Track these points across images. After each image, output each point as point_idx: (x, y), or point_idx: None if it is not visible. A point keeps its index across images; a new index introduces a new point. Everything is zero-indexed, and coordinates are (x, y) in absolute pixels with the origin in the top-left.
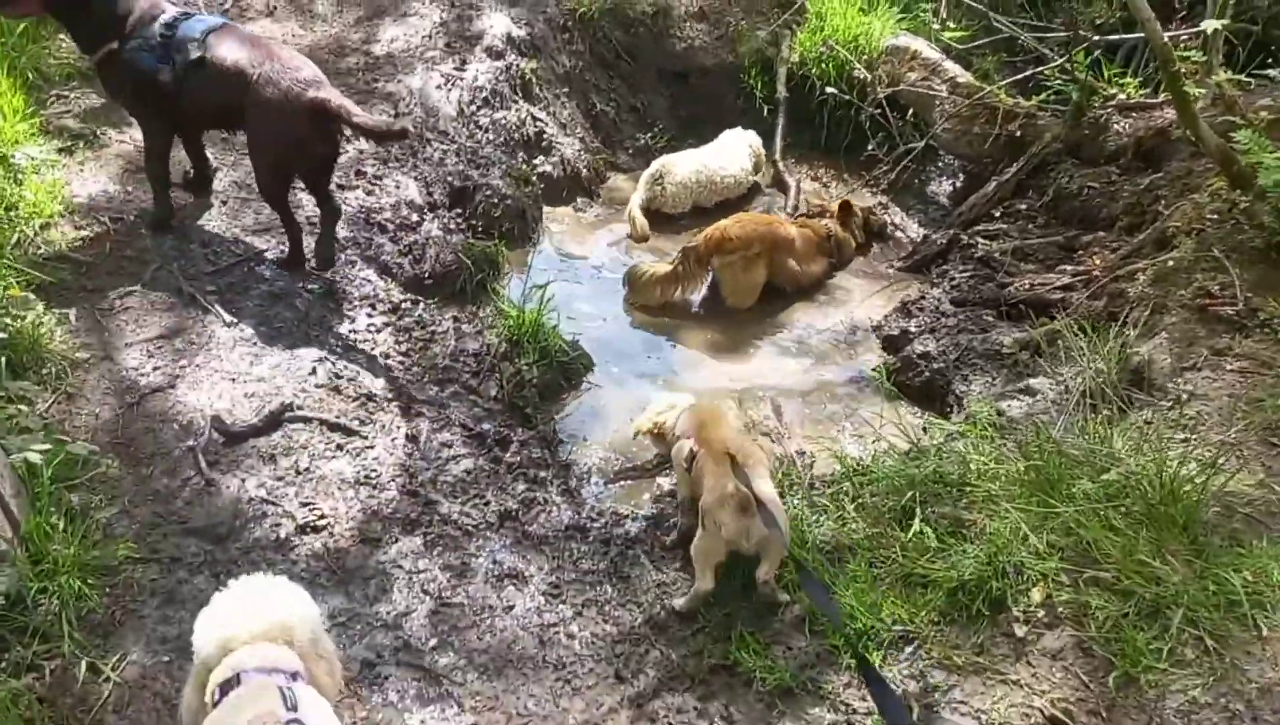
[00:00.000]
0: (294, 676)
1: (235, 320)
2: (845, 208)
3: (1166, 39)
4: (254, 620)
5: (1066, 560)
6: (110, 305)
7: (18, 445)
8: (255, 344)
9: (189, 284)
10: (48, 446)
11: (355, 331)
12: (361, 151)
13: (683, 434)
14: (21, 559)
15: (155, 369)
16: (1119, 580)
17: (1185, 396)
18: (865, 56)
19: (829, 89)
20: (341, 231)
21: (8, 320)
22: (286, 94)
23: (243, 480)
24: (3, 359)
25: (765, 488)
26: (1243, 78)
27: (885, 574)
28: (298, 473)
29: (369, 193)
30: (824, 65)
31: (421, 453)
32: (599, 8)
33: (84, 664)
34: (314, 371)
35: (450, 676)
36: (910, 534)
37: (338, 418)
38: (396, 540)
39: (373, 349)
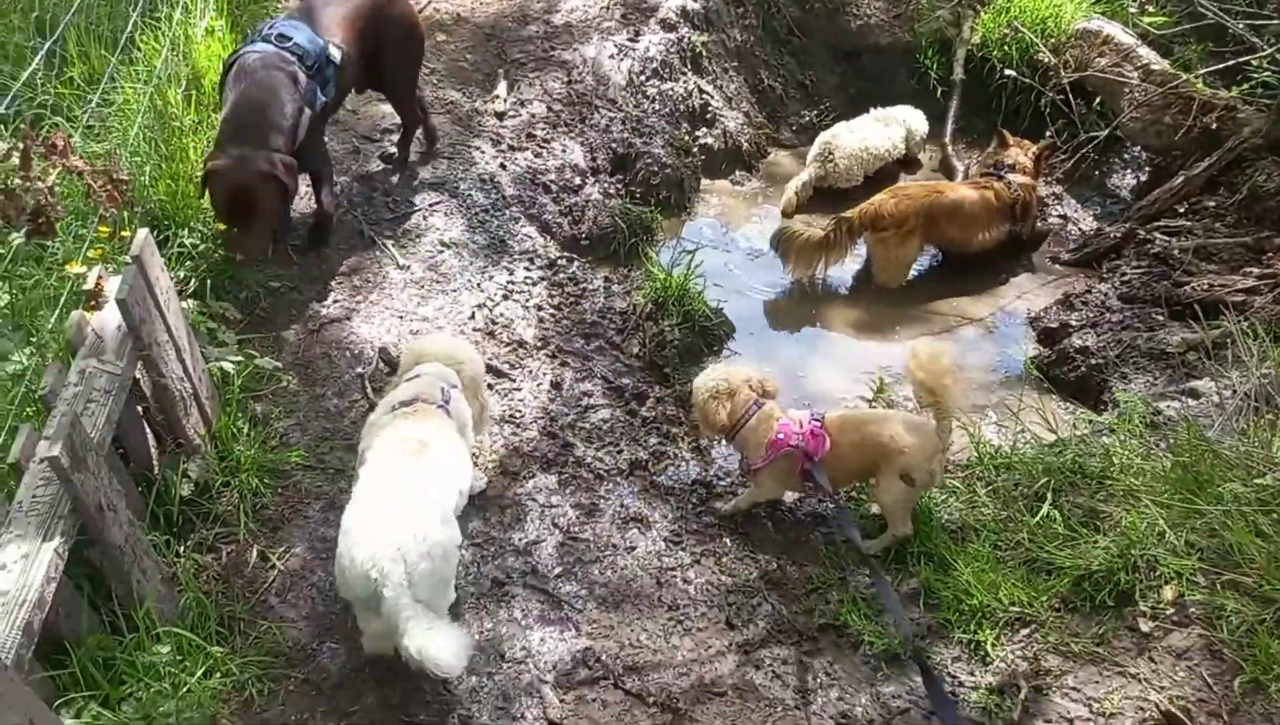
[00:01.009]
0: (453, 387)
1: (407, 264)
2: (1040, 158)
3: None
4: (440, 345)
5: (1205, 561)
6: (301, 242)
7: (216, 356)
8: (423, 287)
9: (370, 228)
10: (240, 359)
11: (513, 282)
12: (533, 116)
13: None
14: (211, 454)
15: (335, 302)
16: (1260, 586)
17: None
18: (1052, 40)
19: (1008, 71)
20: (508, 189)
21: (213, 245)
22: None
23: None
24: (208, 282)
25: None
26: None
27: (1009, 557)
28: None
29: (536, 155)
30: (1006, 47)
31: (564, 399)
32: None
33: (255, 551)
34: (473, 316)
35: (571, 603)
36: (1038, 517)
37: (490, 359)
38: (534, 476)
39: (528, 300)
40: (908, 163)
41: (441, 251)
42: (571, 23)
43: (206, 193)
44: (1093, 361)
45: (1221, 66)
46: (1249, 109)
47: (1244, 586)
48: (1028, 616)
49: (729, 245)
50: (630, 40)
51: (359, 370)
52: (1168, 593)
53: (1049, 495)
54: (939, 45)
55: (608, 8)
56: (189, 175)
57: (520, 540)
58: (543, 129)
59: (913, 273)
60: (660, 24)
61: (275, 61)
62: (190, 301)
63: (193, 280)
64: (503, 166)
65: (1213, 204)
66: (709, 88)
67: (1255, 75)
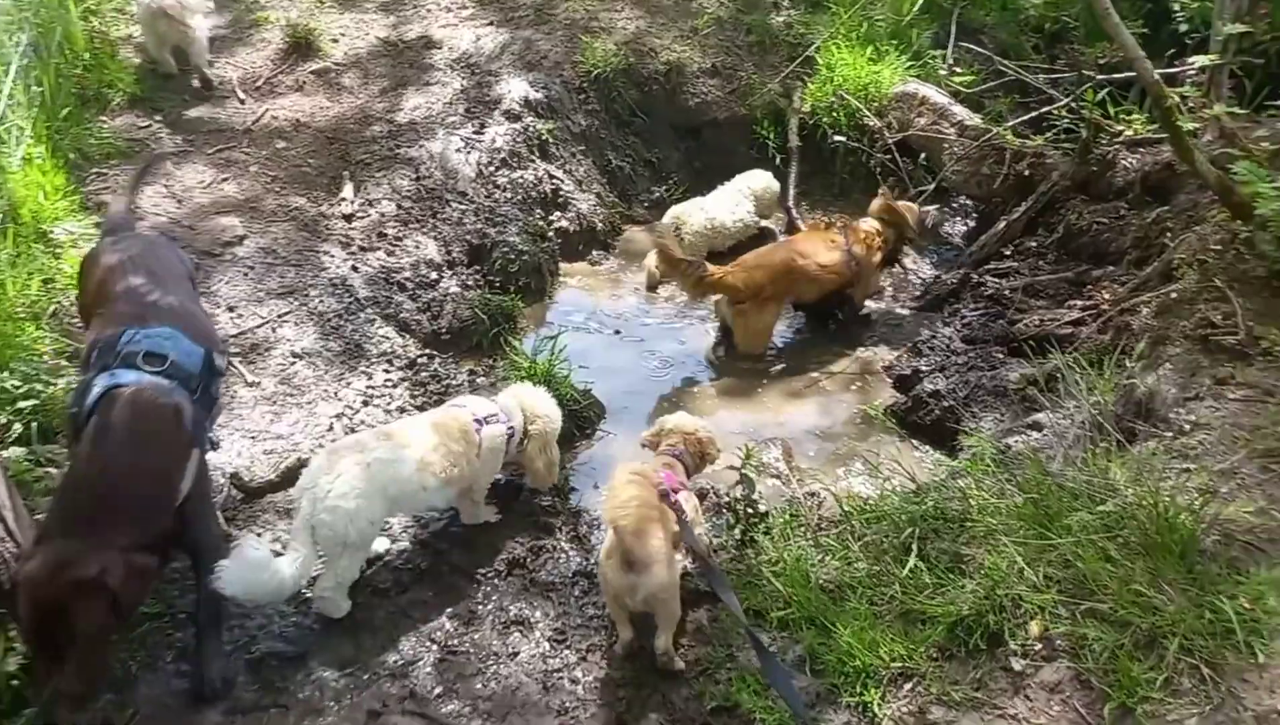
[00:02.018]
0: (511, 432)
1: (256, 381)
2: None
3: (1158, 76)
4: (527, 395)
5: (1064, 593)
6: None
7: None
8: (275, 402)
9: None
10: None
11: (373, 387)
12: (383, 215)
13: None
14: None
15: None
16: (1115, 611)
17: (1188, 426)
18: (875, 104)
19: (838, 136)
20: (362, 291)
21: (39, 386)
22: None
23: (259, 534)
24: (34, 425)
25: (653, 547)
26: (1240, 110)
27: (885, 611)
28: None
29: (389, 254)
30: (835, 114)
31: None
32: (613, 68)
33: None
34: (331, 427)
35: (455, 724)
36: (907, 569)
37: None
38: (406, 590)
39: (389, 404)
40: (763, 233)
41: (293, 363)
42: (415, 120)
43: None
44: (945, 404)
45: (1028, 117)
46: (1056, 154)
47: (1101, 613)
48: (909, 670)
49: (592, 325)
50: (476, 133)
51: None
52: (1033, 628)
53: (915, 545)
54: (773, 116)
55: (451, 103)
56: (8, 313)
57: (395, 662)
58: (394, 227)
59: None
60: (505, 115)
61: (150, 400)
62: (14, 449)
63: (16, 425)
64: (354, 268)
65: (1034, 244)
66: (559, 172)
67: (1057, 123)
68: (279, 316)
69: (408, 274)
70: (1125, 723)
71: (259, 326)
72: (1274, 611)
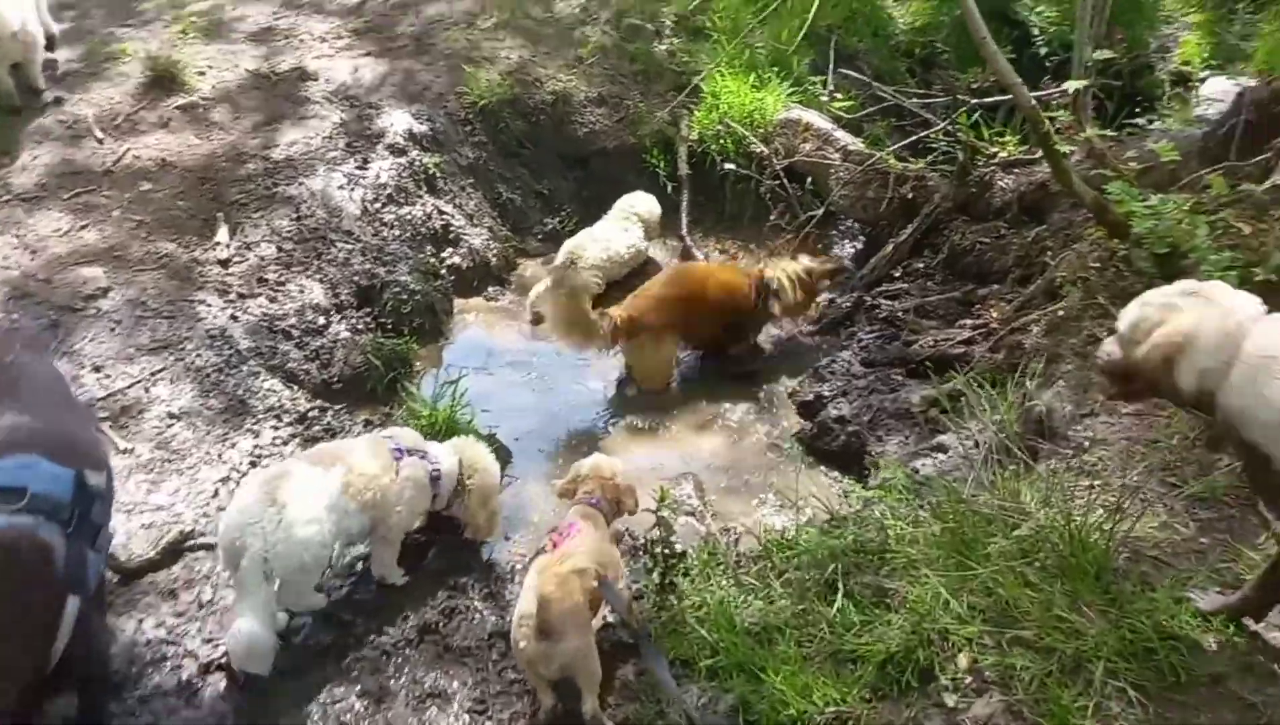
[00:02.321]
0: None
1: (129, 447)
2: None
3: (1034, 101)
4: (468, 447)
5: (989, 622)
6: None
7: None
8: (152, 470)
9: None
10: None
11: (261, 446)
12: (263, 258)
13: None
14: None
15: None
16: (1040, 638)
17: (1087, 443)
18: (761, 131)
19: (728, 165)
20: (243, 342)
21: None
22: None
23: (139, 620)
24: None
25: (565, 611)
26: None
27: (814, 652)
28: (200, 607)
29: (271, 300)
30: (722, 141)
31: (334, 569)
32: (498, 99)
33: None
34: (216, 493)
35: None
36: (835, 610)
37: None
38: (309, 670)
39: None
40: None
41: (170, 425)
42: (293, 156)
43: None
44: (850, 429)
45: (907, 142)
46: (936, 177)
47: (1026, 641)
48: (843, 714)
49: (493, 364)
50: (359, 168)
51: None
52: (962, 661)
53: (840, 582)
54: (662, 144)
55: (330, 137)
56: None
57: None
58: (275, 271)
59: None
60: (389, 149)
61: (8, 546)
62: None
63: None
64: (233, 318)
65: (921, 265)
66: (448, 207)
67: (935, 147)
68: (151, 374)
69: (293, 321)
70: None
71: (129, 387)
72: (1189, 628)
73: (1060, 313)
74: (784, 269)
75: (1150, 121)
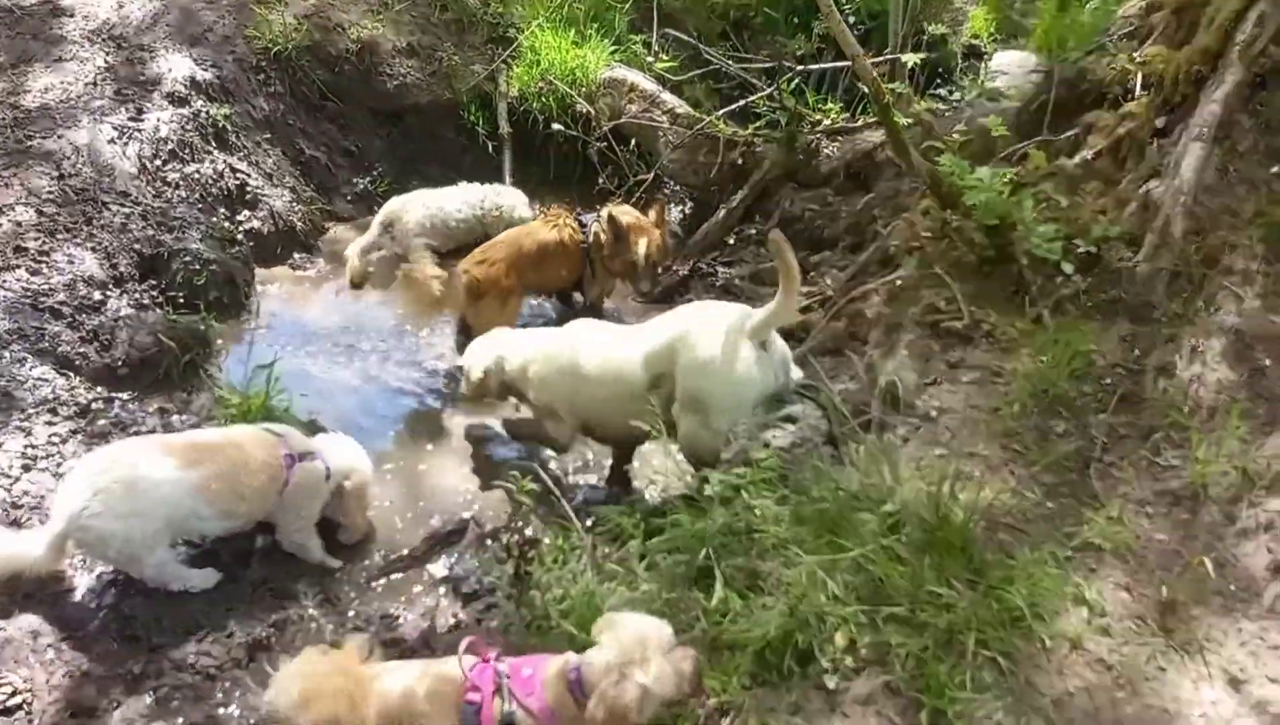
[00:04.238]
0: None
1: None
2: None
3: (877, 75)
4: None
5: (863, 600)
6: None
7: None
8: None
9: None
10: None
11: (34, 446)
12: (19, 224)
13: None
14: None
15: None
16: (913, 614)
17: (934, 412)
18: (584, 90)
19: (554, 125)
20: (2, 323)
21: None
22: None
23: None
24: None
25: None
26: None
27: (689, 641)
28: None
29: (33, 272)
30: (544, 99)
31: (138, 586)
32: (295, 45)
33: None
34: None
35: None
36: (715, 600)
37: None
38: (118, 704)
39: (59, 465)
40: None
41: None
42: (49, 104)
43: None
44: None
45: (735, 107)
46: (765, 144)
47: (900, 617)
48: (725, 704)
49: (305, 340)
50: (133, 120)
51: None
52: (839, 641)
53: (717, 570)
54: (481, 101)
55: (94, 83)
56: None
57: None
58: (36, 238)
59: None
60: (168, 98)
61: None
62: None
63: None
64: None
65: (753, 232)
66: (243, 165)
67: (761, 113)
68: None
69: (62, 296)
70: None
71: None
72: (1047, 593)
73: (899, 282)
74: (603, 216)
75: (951, 92)
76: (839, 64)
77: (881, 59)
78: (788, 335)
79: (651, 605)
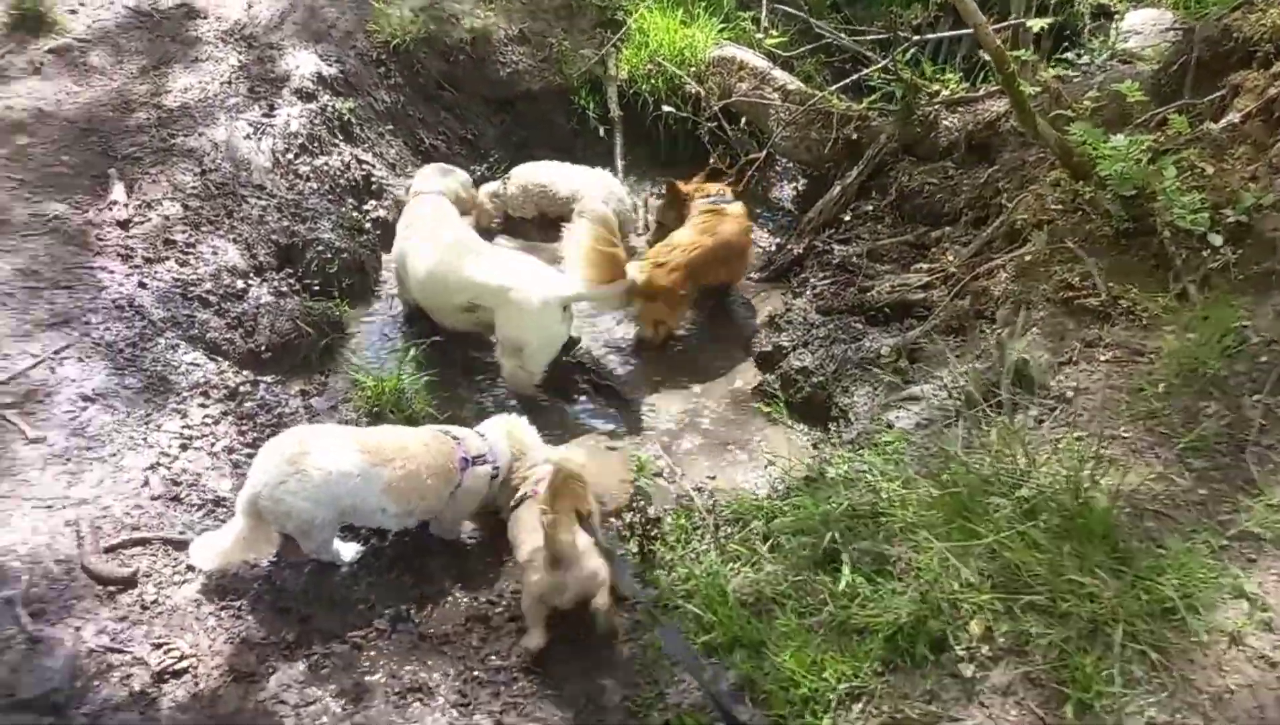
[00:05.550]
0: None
1: (40, 435)
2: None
3: (1000, 42)
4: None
5: (998, 588)
6: None
7: None
8: (69, 460)
9: None
10: None
11: (190, 427)
12: (167, 218)
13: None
14: None
15: None
16: (1054, 603)
17: (1070, 392)
18: (694, 69)
19: (666, 107)
20: (156, 312)
21: None
22: None
23: (77, 629)
24: None
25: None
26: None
27: (817, 624)
28: (144, 608)
29: (182, 263)
30: (653, 81)
31: (288, 560)
32: (413, 38)
33: None
34: (146, 482)
35: None
36: (843, 583)
37: (184, 533)
38: (275, 670)
39: (213, 445)
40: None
41: (85, 408)
42: (189, 104)
43: None
44: (814, 380)
45: (848, 81)
46: (881, 118)
47: (1039, 606)
48: (857, 690)
49: (432, 325)
50: (266, 116)
51: (6, 593)
52: (975, 629)
53: (843, 553)
54: (591, 85)
55: (229, 82)
56: None
57: None
58: (183, 231)
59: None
60: (296, 94)
61: None
62: None
63: None
64: (142, 285)
65: (870, 208)
66: (368, 156)
67: (876, 86)
68: (56, 352)
69: (209, 286)
70: (1086, 720)
71: (32, 367)
72: (1202, 584)
73: (1027, 258)
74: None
75: (1078, 56)
76: (957, 32)
77: (1004, 25)
78: (906, 314)
79: (778, 587)
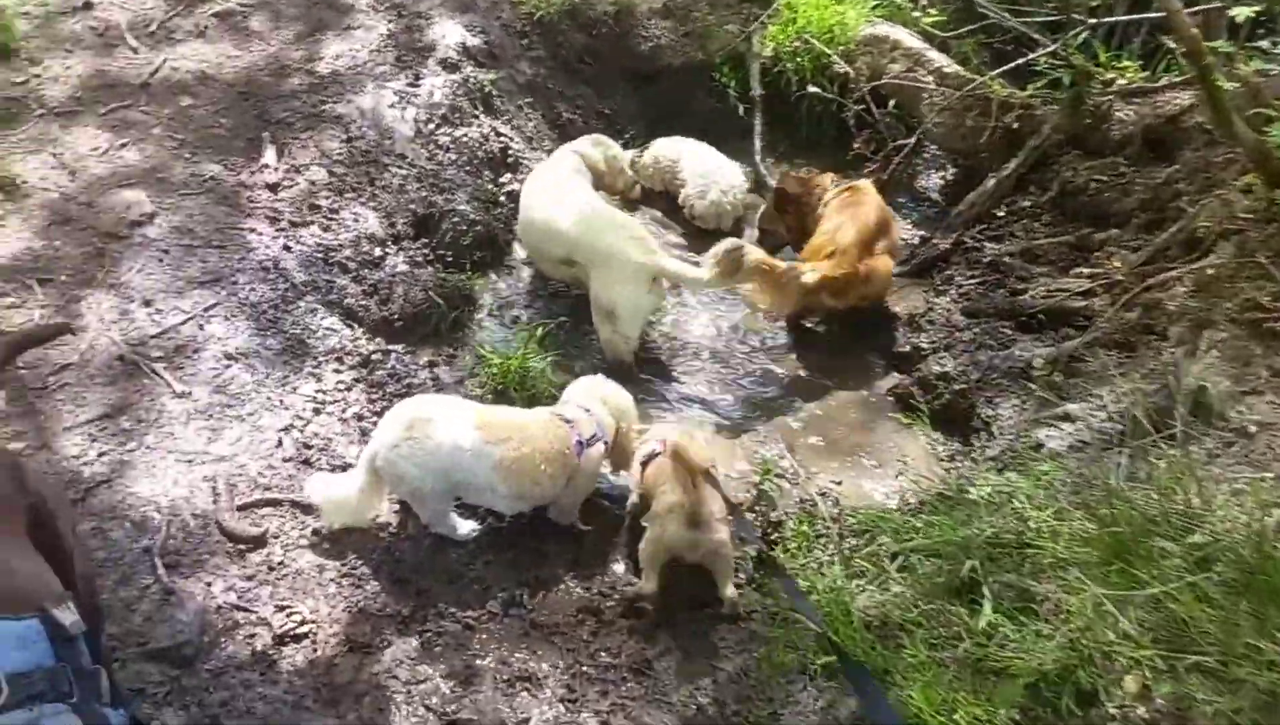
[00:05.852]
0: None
1: (186, 390)
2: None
3: (1195, 30)
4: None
5: (1160, 643)
6: (43, 383)
7: None
8: (211, 416)
9: (131, 350)
10: None
11: (324, 391)
12: (313, 183)
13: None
14: None
15: (100, 456)
16: (1224, 667)
17: (1253, 427)
18: (842, 48)
19: (811, 87)
20: (297, 275)
21: None
22: None
23: (208, 584)
24: None
25: (716, 508)
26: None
27: (949, 659)
28: (270, 569)
29: (325, 229)
30: (800, 59)
31: (408, 533)
32: (557, 10)
33: None
34: (280, 443)
35: None
36: (983, 621)
37: (310, 495)
38: (389, 644)
39: (344, 411)
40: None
41: (228, 366)
42: (339, 71)
43: None
44: (955, 387)
45: (1012, 66)
46: (1045, 107)
47: (1207, 668)
48: None
49: (561, 302)
50: (411, 85)
51: (145, 543)
52: (1130, 684)
53: (985, 587)
54: (733, 62)
55: (378, 50)
56: None
57: None
58: (327, 197)
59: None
60: (441, 64)
61: None
62: None
63: None
64: (286, 248)
65: (1027, 204)
66: (506, 129)
67: (1042, 72)
68: (205, 310)
69: (348, 252)
70: None
71: (183, 323)
72: None
73: (1210, 271)
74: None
75: (1274, 45)
76: (1141, 16)
77: (1197, 9)
78: (1062, 322)
79: (907, 613)
